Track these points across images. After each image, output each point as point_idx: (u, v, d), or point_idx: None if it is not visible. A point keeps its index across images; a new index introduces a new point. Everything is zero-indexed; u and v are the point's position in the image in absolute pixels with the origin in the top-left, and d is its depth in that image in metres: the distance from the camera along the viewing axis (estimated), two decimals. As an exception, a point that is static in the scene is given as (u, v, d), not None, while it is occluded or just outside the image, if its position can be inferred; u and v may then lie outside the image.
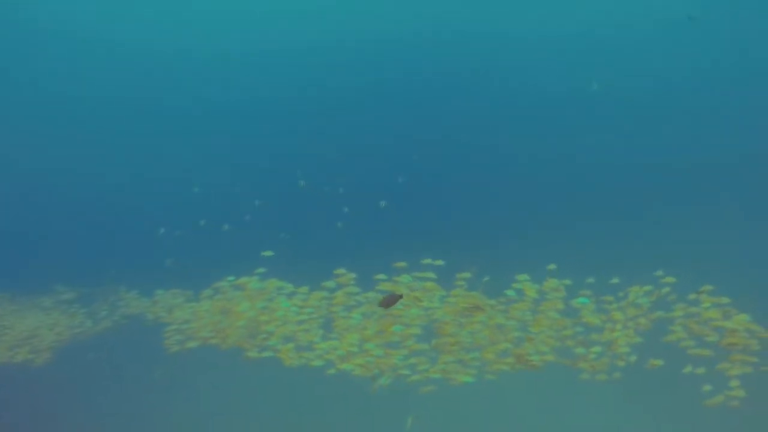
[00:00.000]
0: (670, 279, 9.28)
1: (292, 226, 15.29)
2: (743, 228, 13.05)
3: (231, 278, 11.92)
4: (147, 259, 16.51)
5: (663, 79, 18.95)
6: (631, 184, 15.38)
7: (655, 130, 17.24)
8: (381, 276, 10.59)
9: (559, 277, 10.82)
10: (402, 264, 9.99)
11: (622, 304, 10.31)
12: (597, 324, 9.21)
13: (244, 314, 11.16)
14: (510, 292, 9.98)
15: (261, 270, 11.76)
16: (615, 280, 10.66)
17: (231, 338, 11.10)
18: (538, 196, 15.18)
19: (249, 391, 11.05)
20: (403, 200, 15.34)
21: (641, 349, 9.45)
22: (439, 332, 9.73)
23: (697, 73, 19.08)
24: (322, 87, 21.61)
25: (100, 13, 22.11)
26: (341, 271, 10.91)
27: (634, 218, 14.23)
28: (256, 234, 15.32)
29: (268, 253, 11.59)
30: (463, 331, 9.70)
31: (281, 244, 14.76)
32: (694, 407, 8.66)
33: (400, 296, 6.74)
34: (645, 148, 16.73)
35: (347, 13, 22.22)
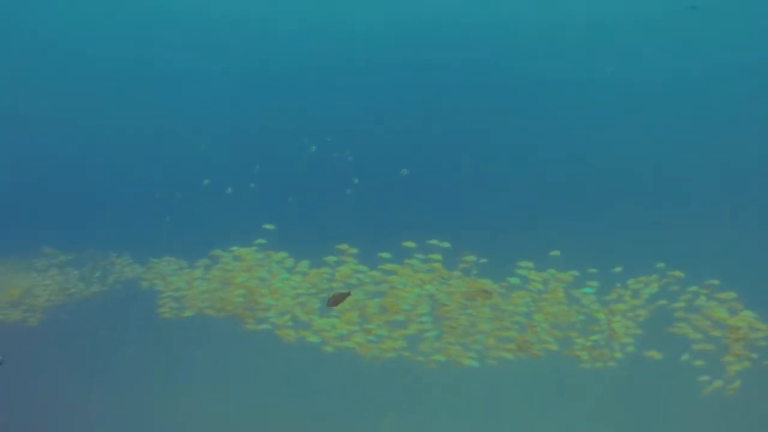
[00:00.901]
0: (678, 273, 9.27)
1: (297, 196, 14.99)
2: (753, 224, 13.09)
3: (233, 248, 11.70)
4: (142, 223, 16.15)
5: (673, 72, 18.75)
6: (640, 177, 15.31)
7: (666, 125, 17.12)
8: (385, 254, 10.44)
9: (563, 266, 10.77)
10: (410, 244, 9.83)
11: (622, 293, 10.31)
12: (600, 315, 9.20)
13: (241, 285, 10.98)
14: (514, 280, 9.90)
15: (261, 241, 11.53)
16: (618, 269, 10.63)
17: (228, 309, 10.94)
18: (548, 184, 15.07)
19: (244, 362, 10.97)
20: (413, 181, 15.15)
21: (641, 339, 9.48)
22: (441, 314, 9.66)
23: (705, 67, 18.91)
24: (345, 59, 21.06)
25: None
26: (344, 246, 10.73)
27: (641, 209, 14.20)
28: (258, 202, 14.99)
29: (270, 227, 11.34)
30: (464, 315, 9.64)
31: (285, 214, 14.48)
32: (691, 397, 8.75)
33: (348, 293, 6.78)
34: (656, 140, 16.64)
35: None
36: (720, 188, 14.40)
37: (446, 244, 10.58)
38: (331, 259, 11.19)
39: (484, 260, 10.73)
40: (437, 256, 10.51)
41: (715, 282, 9.06)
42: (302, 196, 14.80)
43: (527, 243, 11.72)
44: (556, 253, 11.05)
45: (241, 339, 10.73)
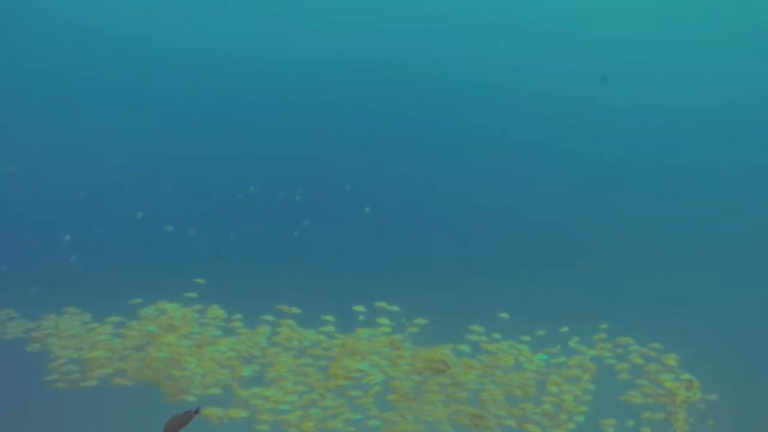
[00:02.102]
0: (627, 339, 9.41)
1: (237, 239, 13.68)
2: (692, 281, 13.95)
3: (158, 301, 10.19)
4: (39, 266, 13.77)
5: (620, 134, 20.34)
6: (583, 234, 15.99)
7: (611, 186, 18.31)
8: (328, 317, 9.61)
9: (511, 327, 10.60)
10: (360, 308, 9.13)
11: (568, 359, 10.28)
12: (552, 388, 8.97)
13: (163, 346, 9.49)
14: (464, 347, 9.50)
15: (191, 294, 10.18)
16: (564, 329, 10.67)
17: (145, 376, 9.35)
18: (493, 241, 15.25)
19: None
20: (362, 234, 14.60)
21: (590, 405, 9.37)
22: (391, 385, 8.92)
23: (652, 127, 20.74)
24: (304, 98, 20.61)
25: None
26: (284, 307, 9.76)
27: (585, 267, 14.71)
28: (193, 247, 13.42)
29: (200, 281, 10.10)
30: (412, 385, 8.99)
31: (220, 263, 13.09)
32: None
33: (197, 411, 5.44)
34: (601, 201, 17.62)
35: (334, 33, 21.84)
36: (661, 244, 15.37)
37: (395, 308, 10.02)
38: (269, 318, 10.14)
39: (425, 321, 10.24)
40: (385, 320, 9.87)
41: (658, 345, 9.30)
42: (242, 241, 13.62)
43: (474, 304, 11.52)
44: (505, 315, 10.89)
45: (157, 414, 9.13)
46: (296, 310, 9.72)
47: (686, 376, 8.48)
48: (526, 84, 22.59)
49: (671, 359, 8.82)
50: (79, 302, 12.27)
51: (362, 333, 9.19)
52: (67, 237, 11.89)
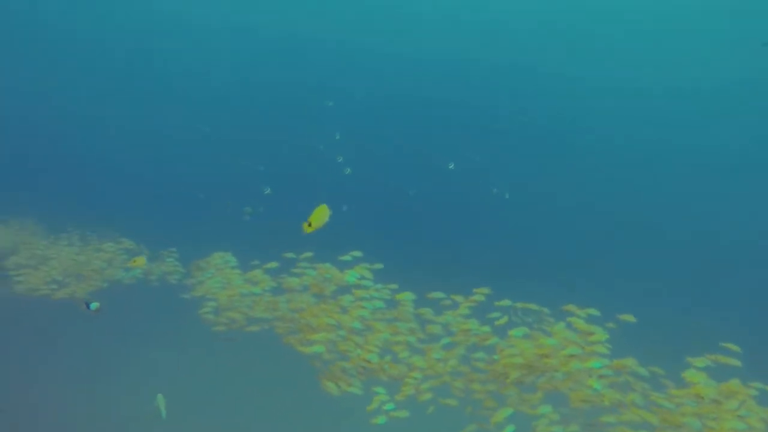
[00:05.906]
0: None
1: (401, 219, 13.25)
2: None
3: (323, 264, 9.68)
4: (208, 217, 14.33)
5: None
6: None
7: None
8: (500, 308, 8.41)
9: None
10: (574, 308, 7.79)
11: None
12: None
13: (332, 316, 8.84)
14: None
15: (357, 253, 9.42)
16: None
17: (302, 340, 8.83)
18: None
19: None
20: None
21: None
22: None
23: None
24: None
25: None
26: (483, 290, 8.59)
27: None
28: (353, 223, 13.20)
29: (357, 253, 9.36)
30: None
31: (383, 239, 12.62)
32: None
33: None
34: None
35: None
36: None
37: (594, 311, 8.56)
38: (437, 295, 9.20)
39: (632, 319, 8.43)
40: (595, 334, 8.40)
41: None
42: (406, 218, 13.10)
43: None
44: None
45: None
46: (486, 290, 8.59)
47: None
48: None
49: None
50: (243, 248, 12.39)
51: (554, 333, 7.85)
52: (268, 190, 12.25)
